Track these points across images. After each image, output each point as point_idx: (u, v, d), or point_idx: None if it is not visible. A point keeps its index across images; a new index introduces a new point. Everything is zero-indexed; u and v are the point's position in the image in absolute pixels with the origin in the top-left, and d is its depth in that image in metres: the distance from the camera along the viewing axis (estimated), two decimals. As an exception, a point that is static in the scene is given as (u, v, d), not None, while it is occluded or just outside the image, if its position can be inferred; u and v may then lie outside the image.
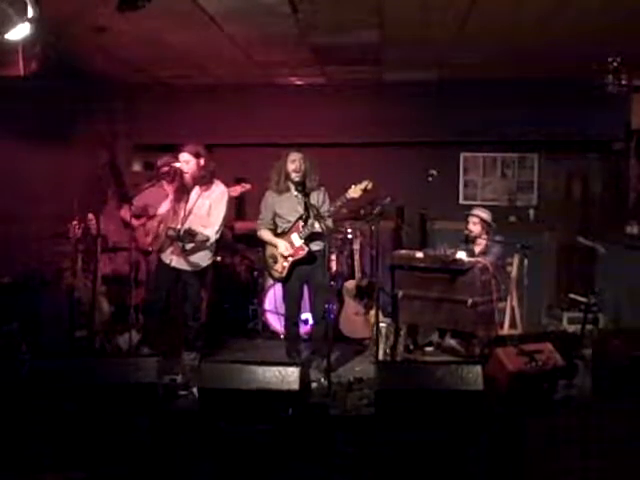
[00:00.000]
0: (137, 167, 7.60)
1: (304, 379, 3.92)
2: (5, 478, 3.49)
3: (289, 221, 5.12)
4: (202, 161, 5.04)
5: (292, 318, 5.26)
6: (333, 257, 6.25)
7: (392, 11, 4.78)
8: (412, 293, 5.30)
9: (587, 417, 3.52)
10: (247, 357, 5.57)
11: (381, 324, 5.27)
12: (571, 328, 5.98)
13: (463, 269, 5.06)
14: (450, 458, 3.57)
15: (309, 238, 5.05)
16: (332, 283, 5.45)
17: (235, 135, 7.35)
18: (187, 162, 5.01)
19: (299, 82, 7.24)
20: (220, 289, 6.44)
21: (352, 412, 4.21)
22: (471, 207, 5.96)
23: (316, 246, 5.06)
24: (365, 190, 4.91)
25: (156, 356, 4.24)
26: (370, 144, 7.32)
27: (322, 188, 5.15)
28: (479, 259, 5.21)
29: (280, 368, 3.85)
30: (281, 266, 5.13)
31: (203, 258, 5.10)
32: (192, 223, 4.98)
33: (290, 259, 5.09)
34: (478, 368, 3.85)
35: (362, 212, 5.94)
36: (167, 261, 5.11)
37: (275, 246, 5.12)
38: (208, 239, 5.02)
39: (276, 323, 6.32)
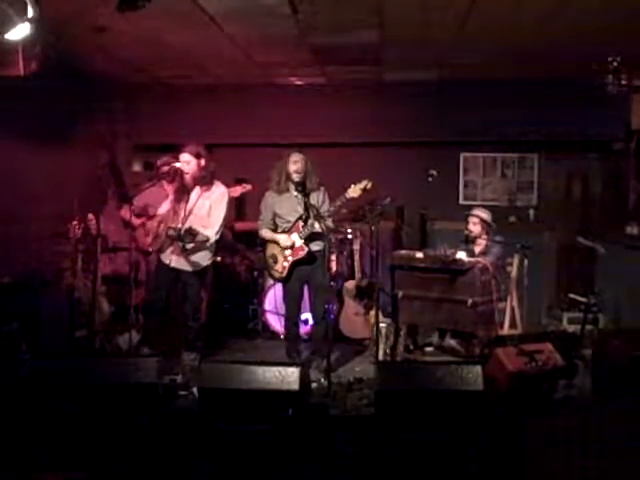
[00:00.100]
0: (137, 167, 7.60)
1: (304, 379, 3.92)
2: (5, 478, 3.49)
3: (289, 221, 5.12)
4: (203, 161, 5.04)
5: (292, 318, 5.27)
6: (333, 257, 6.25)
7: (392, 11, 4.78)
8: (412, 293, 5.30)
9: (587, 417, 3.52)
10: (247, 357, 5.57)
11: (381, 324, 5.27)
12: (571, 328, 5.97)
13: (463, 269, 5.06)
14: (450, 458, 3.57)
15: (309, 238, 5.05)
16: (332, 283, 5.45)
17: (235, 135, 7.35)
18: (188, 162, 5.01)
19: (299, 82, 7.24)
20: (220, 289, 6.44)
21: (352, 412, 4.20)
22: (471, 207, 5.97)
23: (316, 246, 5.07)
24: (365, 190, 4.91)
25: (156, 356, 4.24)
26: (370, 144, 7.32)
27: (322, 188, 5.16)
28: (479, 259, 5.21)
29: (280, 368, 3.85)
30: (281, 266, 5.13)
31: (203, 258, 5.10)
32: (192, 223, 4.98)
33: (290, 259, 5.09)
34: (478, 368, 3.85)
35: (362, 212, 5.94)
36: (167, 261, 5.11)
37: (277, 242, 5.13)
38: (208, 239, 5.02)
39: (276, 323, 6.32)
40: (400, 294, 5.35)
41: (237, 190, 6.11)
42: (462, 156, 7.56)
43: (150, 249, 5.53)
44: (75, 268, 5.31)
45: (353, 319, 6.20)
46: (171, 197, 5.26)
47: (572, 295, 5.69)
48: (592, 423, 3.48)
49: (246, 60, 6.20)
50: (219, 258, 6.14)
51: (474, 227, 5.60)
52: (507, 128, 7.03)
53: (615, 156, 7.25)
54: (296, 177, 5.04)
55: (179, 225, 4.98)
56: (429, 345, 5.77)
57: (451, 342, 5.68)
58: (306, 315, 5.60)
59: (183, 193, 5.10)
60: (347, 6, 4.67)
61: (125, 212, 5.63)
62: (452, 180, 7.47)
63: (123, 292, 5.52)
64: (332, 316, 5.31)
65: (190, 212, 5.03)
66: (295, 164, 5.04)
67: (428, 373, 3.90)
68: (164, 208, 5.34)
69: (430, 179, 5.51)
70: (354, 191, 4.91)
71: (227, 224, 5.56)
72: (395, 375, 4.02)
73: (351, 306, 6.24)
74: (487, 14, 4.78)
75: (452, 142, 7.32)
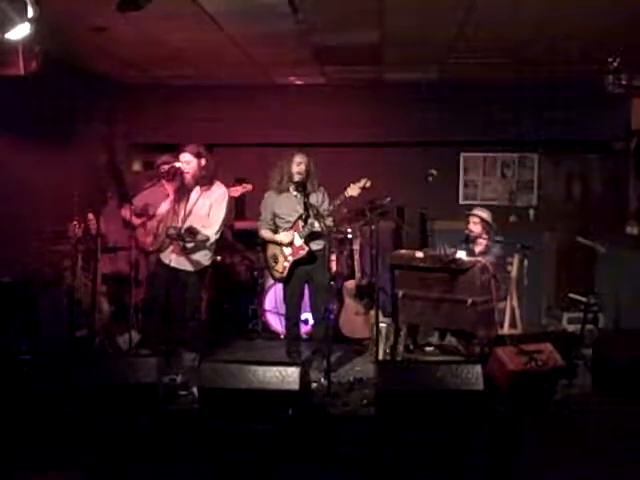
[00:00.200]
0: (137, 167, 7.60)
1: (304, 379, 3.92)
2: (5, 478, 3.49)
3: (289, 221, 5.12)
4: (203, 161, 5.04)
5: (293, 318, 5.27)
6: (333, 257, 6.24)
7: (392, 11, 4.78)
8: (412, 293, 5.29)
9: (587, 417, 3.53)
10: (247, 357, 5.56)
11: (381, 324, 5.26)
12: (571, 328, 5.97)
13: (463, 269, 5.05)
14: (450, 458, 3.57)
15: (309, 237, 5.05)
16: (332, 283, 5.44)
17: (235, 135, 7.35)
18: (188, 162, 5.01)
19: (299, 82, 7.24)
20: (220, 289, 6.44)
21: (352, 412, 4.21)
22: (471, 207, 5.96)
23: (316, 245, 5.07)
24: (364, 188, 4.92)
25: (156, 356, 4.24)
26: (370, 144, 7.32)
27: (321, 188, 5.16)
28: (479, 259, 5.20)
29: (280, 368, 3.85)
30: (282, 266, 5.13)
31: (203, 258, 5.10)
32: (192, 223, 4.97)
33: (290, 259, 5.09)
34: (478, 368, 3.84)
35: (362, 212, 5.94)
36: (166, 261, 5.11)
37: (277, 242, 5.13)
38: (208, 239, 5.02)
39: (276, 323, 6.32)
40: (400, 294, 5.34)
41: (237, 190, 6.10)
42: (462, 156, 7.56)
43: (150, 249, 5.53)
44: (75, 268, 5.30)
45: (353, 319, 6.19)
46: (171, 197, 5.26)
47: (572, 295, 5.68)
48: (592, 423, 3.48)
49: (246, 60, 6.20)
50: (219, 258, 6.14)
51: (474, 227, 5.60)
52: (507, 128, 7.03)
53: (615, 156, 7.26)
54: (298, 178, 5.05)
55: (179, 224, 4.98)
56: (429, 345, 5.77)
57: (451, 341, 5.68)
58: (306, 315, 5.60)
59: (183, 193, 5.10)
60: (347, 6, 4.67)
61: (125, 212, 5.63)
62: (452, 180, 7.47)
63: (123, 292, 5.51)
64: (332, 316, 5.31)
65: (190, 212, 5.03)
66: (298, 165, 5.04)
67: (428, 373, 3.89)
68: (164, 208, 5.34)
69: (430, 179, 5.51)
70: (353, 190, 4.92)
71: (227, 224, 5.56)
72: (395, 375, 4.01)
73: (351, 306, 6.24)
74: (487, 14, 4.78)
75: (452, 142, 7.32)
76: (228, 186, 5.37)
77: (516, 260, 5.31)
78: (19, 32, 3.83)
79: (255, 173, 5.98)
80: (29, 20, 3.80)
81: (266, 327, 6.44)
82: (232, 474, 3.56)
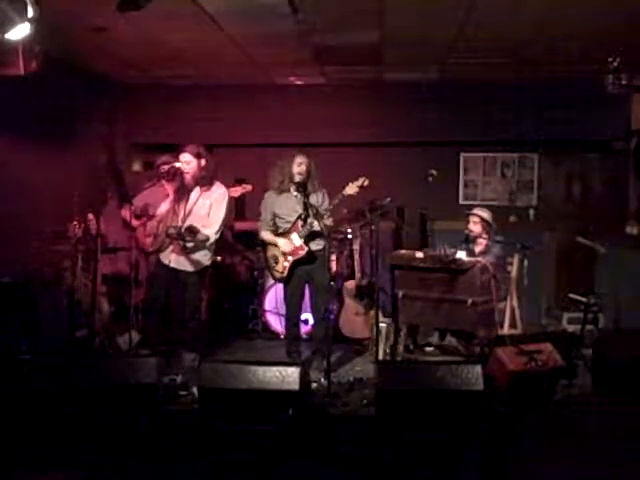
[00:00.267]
0: (137, 167, 7.60)
1: (304, 379, 3.91)
2: (5, 478, 3.49)
3: (288, 221, 5.12)
4: (203, 161, 5.04)
5: (293, 318, 5.27)
6: (333, 257, 6.24)
7: (392, 11, 4.78)
8: (412, 293, 5.29)
9: (587, 417, 3.53)
10: (247, 357, 5.56)
11: (381, 324, 5.27)
12: (571, 328, 5.97)
13: (463, 269, 5.05)
14: (450, 458, 3.57)
15: (309, 237, 5.05)
16: (332, 283, 5.45)
17: (235, 135, 7.35)
18: (188, 162, 5.01)
19: (299, 82, 7.24)
20: (220, 289, 6.44)
21: (352, 412, 4.21)
22: (471, 207, 5.96)
23: (316, 245, 5.07)
24: (362, 187, 4.94)
25: (156, 356, 4.24)
26: (370, 144, 7.32)
27: (323, 189, 5.16)
28: (479, 259, 5.20)
29: (280, 368, 3.84)
30: (282, 266, 5.13)
31: (203, 258, 5.10)
32: (192, 223, 4.97)
33: (290, 259, 5.09)
34: (478, 368, 3.84)
35: (362, 212, 5.94)
36: (166, 261, 5.11)
37: (276, 245, 5.13)
38: (208, 239, 5.02)
39: (276, 323, 6.32)
40: (400, 294, 5.34)
41: (237, 190, 6.10)
42: (462, 156, 7.56)
43: (150, 249, 5.53)
44: (75, 268, 5.30)
45: (353, 319, 6.19)
46: (171, 197, 5.26)
47: (572, 295, 5.68)
48: (592, 423, 3.48)
49: (246, 60, 6.20)
50: (219, 258, 6.14)
51: (474, 227, 5.60)
52: (507, 128, 7.03)
53: (615, 156, 7.26)
54: (299, 178, 5.05)
55: (179, 224, 4.98)
56: (429, 345, 5.76)
57: (451, 342, 5.68)
58: (306, 315, 5.60)
59: (183, 193, 5.10)
60: (347, 6, 4.67)
61: (126, 212, 5.63)
62: (452, 180, 7.47)
63: (123, 292, 5.51)
64: (332, 316, 5.31)
65: (190, 212, 5.03)
66: (299, 166, 5.04)
67: (428, 373, 3.89)
68: (164, 208, 5.34)
69: (430, 179, 5.50)
70: (351, 188, 4.94)
71: (227, 224, 5.55)
72: (395, 375, 4.01)
73: (351, 306, 6.23)
74: (487, 14, 4.78)
75: (452, 142, 7.32)
76: (228, 186, 5.37)
77: (516, 260, 5.31)
78: (19, 32, 3.84)
79: (255, 173, 5.98)
80: (29, 20, 3.81)
81: (266, 327, 6.44)
82: (232, 474, 3.56)
